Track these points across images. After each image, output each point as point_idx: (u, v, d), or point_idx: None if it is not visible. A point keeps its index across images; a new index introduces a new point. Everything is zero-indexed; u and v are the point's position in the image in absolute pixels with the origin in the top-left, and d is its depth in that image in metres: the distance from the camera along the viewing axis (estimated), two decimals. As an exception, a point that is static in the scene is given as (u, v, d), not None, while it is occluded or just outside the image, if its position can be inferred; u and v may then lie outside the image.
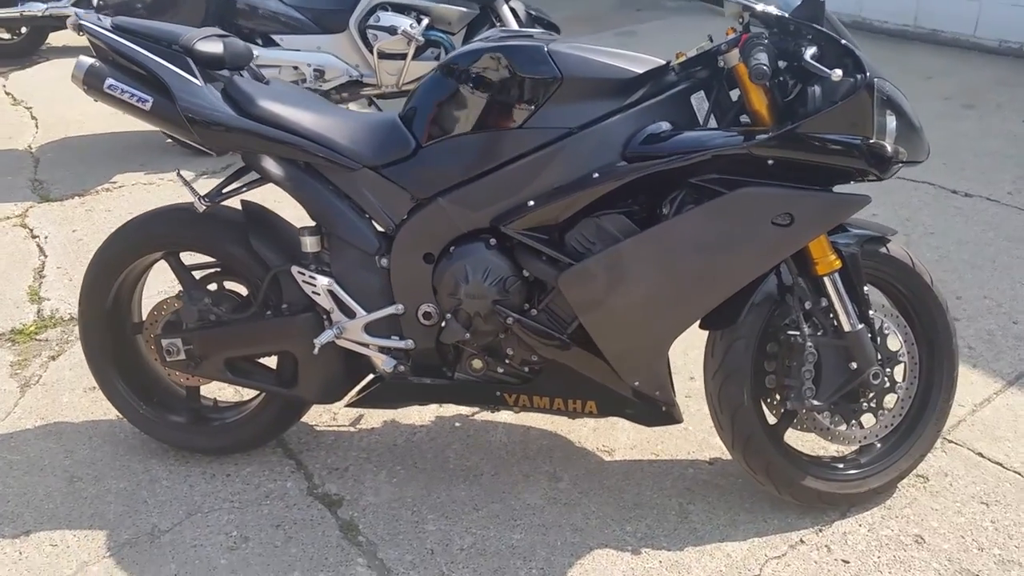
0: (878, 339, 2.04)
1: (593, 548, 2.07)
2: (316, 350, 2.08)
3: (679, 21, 7.19)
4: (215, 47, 2.08)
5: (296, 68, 4.30)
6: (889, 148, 1.80)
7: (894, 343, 2.09)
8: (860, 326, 1.98)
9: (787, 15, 1.80)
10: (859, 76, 1.73)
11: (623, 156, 1.86)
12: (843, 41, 1.77)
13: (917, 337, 2.14)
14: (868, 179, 1.84)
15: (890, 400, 2.10)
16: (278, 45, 4.27)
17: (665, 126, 1.88)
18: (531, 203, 1.91)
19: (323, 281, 2.08)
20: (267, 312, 2.19)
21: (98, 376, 2.36)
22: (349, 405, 2.25)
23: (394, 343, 2.11)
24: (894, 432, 2.15)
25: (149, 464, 2.39)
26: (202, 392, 2.45)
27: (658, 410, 2.09)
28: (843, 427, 2.08)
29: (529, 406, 2.13)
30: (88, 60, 2.08)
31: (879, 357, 2.04)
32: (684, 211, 1.85)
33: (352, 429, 2.50)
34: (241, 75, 2.16)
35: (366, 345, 2.12)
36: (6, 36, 6.47)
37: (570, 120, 1.88)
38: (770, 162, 1.79)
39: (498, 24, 4.35)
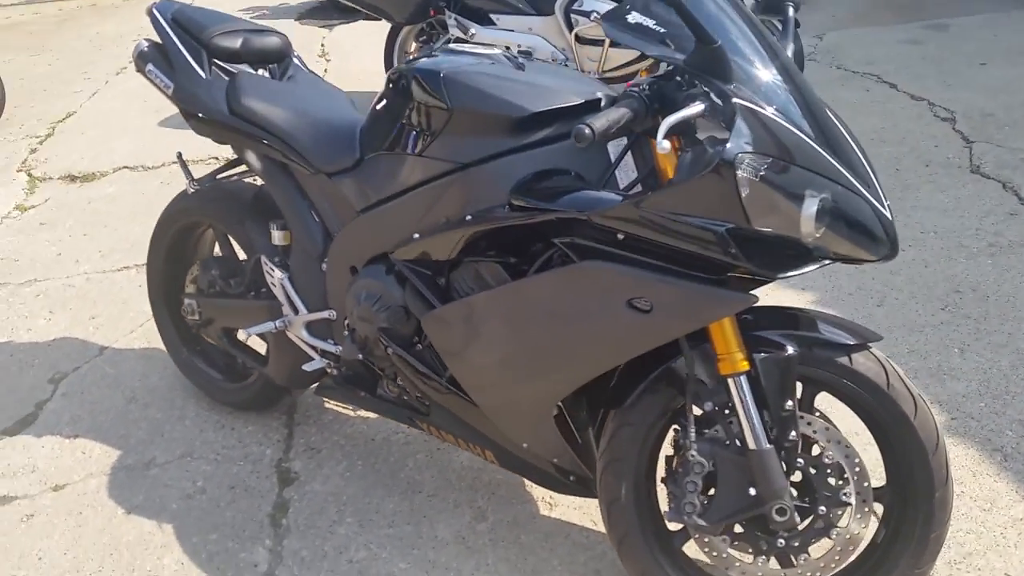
0: (811, 469, 1.64)
1: (458, 602, 1.96)
2: (246, 337, 2.19)
3: (998, 18, 5.93)
4: (231, 42, 2.24)
5: (508, 48, 4.34)
6: (805, 238, 1.42)
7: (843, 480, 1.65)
8: (767, 447, 1.60)
9: (682, 63, 1.47)
10: (718, 148, 1.37)
11: (508, 201, 1.68)
12: (734, 100, 1.40)
13: (889, 476, 1.68)
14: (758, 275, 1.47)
15: (820, 547, 1.68)
16: (495, 24, 4.34)
17: (561, 174, 1.66)
18: (416, 235, 1.81)
19: (278, 274, 2.17)
20: (251, 293, 2.34)
21: (156, 317, 2.71)
22: (317, 393, 2.34)
23: (328, 346, 2.15)
24: (828, 585, 1.72)
25: (187, 403, 2.70)
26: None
27: (565, 479, 1.90)
28: (747, 560, 1.71)
29: (440, 438, 2.06)
30: (144, 44, 2.35)
31: (819, 493, 1.64)
32: (540, 273, 1.63)
33: (351, 413, 2.59)
34: (260, 70, 2.30)
35: (310, 345, 2.19)
36: (326, -7, 7.36)
37: (461, 154, 1.73)
38: (620, 236, 1.50)
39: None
